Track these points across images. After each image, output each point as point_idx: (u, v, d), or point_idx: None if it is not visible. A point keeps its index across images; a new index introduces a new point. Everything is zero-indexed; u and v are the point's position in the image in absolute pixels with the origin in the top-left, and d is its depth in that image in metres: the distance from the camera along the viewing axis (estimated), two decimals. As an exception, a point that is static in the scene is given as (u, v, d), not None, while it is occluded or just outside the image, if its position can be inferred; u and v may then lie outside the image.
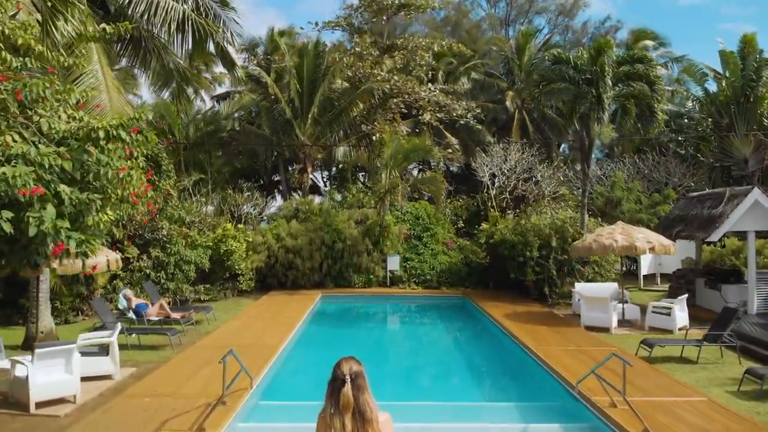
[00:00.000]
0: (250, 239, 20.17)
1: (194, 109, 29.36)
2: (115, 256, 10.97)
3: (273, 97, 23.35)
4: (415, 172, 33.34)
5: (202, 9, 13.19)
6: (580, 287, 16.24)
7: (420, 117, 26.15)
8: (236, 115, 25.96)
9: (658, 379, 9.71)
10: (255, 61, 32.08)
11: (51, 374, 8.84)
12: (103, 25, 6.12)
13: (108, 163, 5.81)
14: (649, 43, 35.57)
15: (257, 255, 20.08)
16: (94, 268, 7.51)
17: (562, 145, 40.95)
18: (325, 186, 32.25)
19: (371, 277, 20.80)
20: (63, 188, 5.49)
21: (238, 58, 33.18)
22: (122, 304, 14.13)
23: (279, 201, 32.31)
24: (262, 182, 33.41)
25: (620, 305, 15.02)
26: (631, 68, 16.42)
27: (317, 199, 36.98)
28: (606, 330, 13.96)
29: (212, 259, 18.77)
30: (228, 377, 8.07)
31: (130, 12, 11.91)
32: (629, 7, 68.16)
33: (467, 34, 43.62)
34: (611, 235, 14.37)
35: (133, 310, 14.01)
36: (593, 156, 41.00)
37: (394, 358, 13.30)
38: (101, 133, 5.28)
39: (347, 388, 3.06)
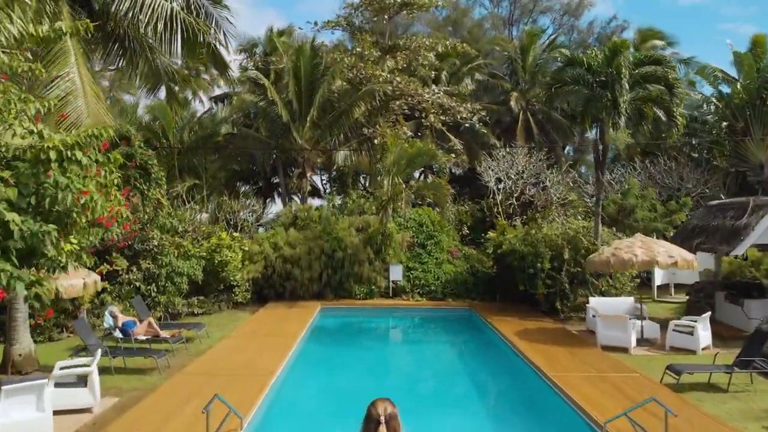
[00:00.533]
0: (247, 248, 19.28)
1: (191, 110, 28.23)
2: (94, 278, 10.05)
3: (271, 99, 22.40)
4: (416, 174, 32.43)
5: (192, 7, 12.29)
6: (595, 302, 15.35)
7: (423, 120, 25.24)
8: (233, 117, 24.88)
9: (688, 413, 8.82)
10: (253, 62, 31.22)
11: (21, 412, 8.02)
12: (59, 23, 5.25)
13: (68, 186, 4.91)
14: (657, 43, 34.64)
15: (254, 265, 19.18)
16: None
17: (567, 147, 40.10)
18: (325, 189, 31.25)
19: (373, 287, 19.89)
20: (12, 217, 4.60)
21: (236, 59, 32.47)
22: (108, 322, 13.24)
23: (278, 203, 31.40)
24: (260, 185, 32.51)
25: (638, 322, 14.14)
26: (649, 70, 15.51)
27: (316, 202, 36.05)
28: (625, 350, 13.08)
29: (206, 270, 17.87)
30: (214, 423, 7.17)
31: (113, 9, 11.01)
32: (629, 6, 67.32)
33: (468, 33, 42.79)
34: (630, 248, 13.48)
35: (119, 329, 13.13)
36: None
37: (397, 384, 12.32)
38: (52, 154, 4.39)
39: (382, 430, 3.15)
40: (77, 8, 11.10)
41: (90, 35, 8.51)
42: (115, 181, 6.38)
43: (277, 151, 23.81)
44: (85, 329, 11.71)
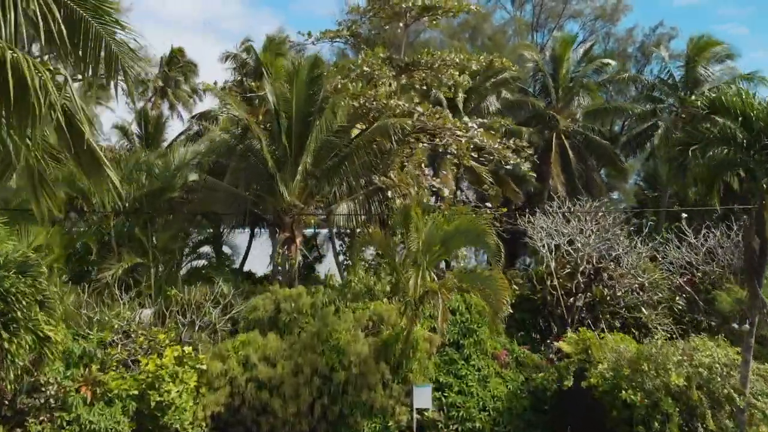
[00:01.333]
0: (204, 367, 13.09)
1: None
2: None
3: (251, 140, 16.25)
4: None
5: (56, 28, 6.05)
6: None
7: (453, 160, 19.31)
8: (198, 161, 18.05)
9: None
10: (239, 74, 25.50)
11: None
12: None
13: None
14: (718, 50, 28.82)
15: (214, 394, 13.00)
16: None
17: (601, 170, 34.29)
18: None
19: (389, 423, 13.62)
20: None
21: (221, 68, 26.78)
22: None
23: (265, 232, 25.24)
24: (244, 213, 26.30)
25: None
26: None
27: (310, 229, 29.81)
28: None
29: (139, 412, 11.76)
30: None
31: None
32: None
33: (490, 40, 37.11)
34: None
35: None
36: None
37: None
38: None
39: None
40: None
41: None
42: None
43: (256, 209, 17.67)
44: None
